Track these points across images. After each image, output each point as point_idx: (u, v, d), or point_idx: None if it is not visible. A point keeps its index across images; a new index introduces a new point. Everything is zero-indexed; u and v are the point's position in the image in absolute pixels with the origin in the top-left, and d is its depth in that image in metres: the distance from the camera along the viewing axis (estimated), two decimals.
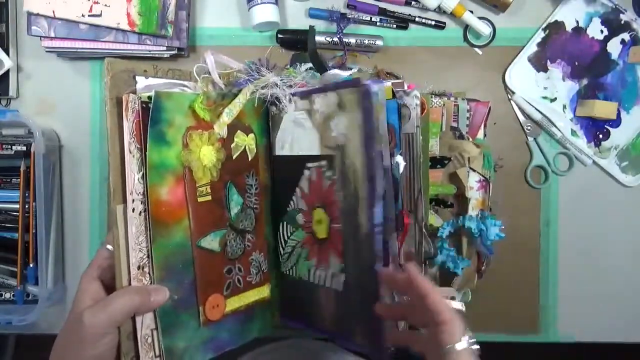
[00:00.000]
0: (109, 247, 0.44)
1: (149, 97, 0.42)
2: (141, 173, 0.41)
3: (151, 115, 0.42)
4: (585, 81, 0.73)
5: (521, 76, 0.73)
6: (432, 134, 0.63)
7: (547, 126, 0.73)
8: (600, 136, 0.74)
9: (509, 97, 0.74)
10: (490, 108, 0.70)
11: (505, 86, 0.73)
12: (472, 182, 0.65)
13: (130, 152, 0.41)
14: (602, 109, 0.72)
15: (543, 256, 0.75)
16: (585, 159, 0.74)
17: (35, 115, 0.72)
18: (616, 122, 0.74)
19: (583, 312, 0.76)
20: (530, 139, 0.74)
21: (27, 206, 0.70)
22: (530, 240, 0.75)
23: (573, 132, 0.74)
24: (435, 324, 0.43)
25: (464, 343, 0.42)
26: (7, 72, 0.71)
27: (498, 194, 0.72)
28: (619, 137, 0.74)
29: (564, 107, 0.74)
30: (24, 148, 0.70)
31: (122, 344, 0.43)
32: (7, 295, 0.72)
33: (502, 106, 0.74)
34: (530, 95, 0.73)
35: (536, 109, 0.73)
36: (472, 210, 0.64)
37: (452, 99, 0.68)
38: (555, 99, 0.73)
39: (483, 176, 0.65)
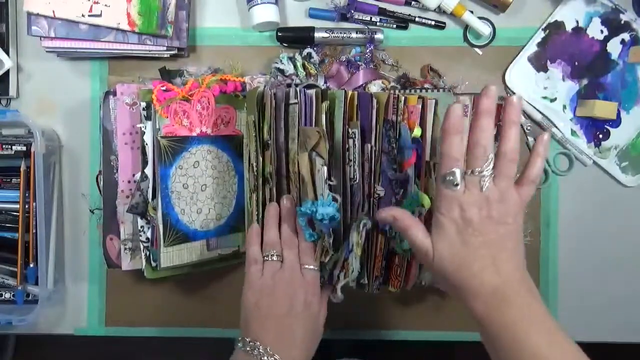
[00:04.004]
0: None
1: None
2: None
3: None
4: (585, 81, 0.73)
5: (521, 76, 0.73)
6: None
7: (547, 126, 0.73)
8: (600, 136, 0.74)
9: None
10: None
11: (505, 86, 0.73)
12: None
13: None
14: (602, 109, 0.72)
15: (543, 256, 0.75)
16: (585, 159, 0.74)
17: (35, 115, 0.72)
18: (616, 122, 0.74)
19: (583, 312, 0.76)
20: (530, 139, 0.74)
21: (27, 206, 0.71)
22: (531, 240, 0.74)
23: (573, 132, 0.74)
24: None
25: (480, 171, 0.47)
26: (7, 72, 0.71)
27: None
28: (619, 137, 0.74)
29: (564, 107, 0.74)
30: (24, 148, 0.70)
31: None
32: (7, 295, 0.72)
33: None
34: (530, 95, 0.73)
35: (536, 109, 0.73)
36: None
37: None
38: (555, 99, 0.73)
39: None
